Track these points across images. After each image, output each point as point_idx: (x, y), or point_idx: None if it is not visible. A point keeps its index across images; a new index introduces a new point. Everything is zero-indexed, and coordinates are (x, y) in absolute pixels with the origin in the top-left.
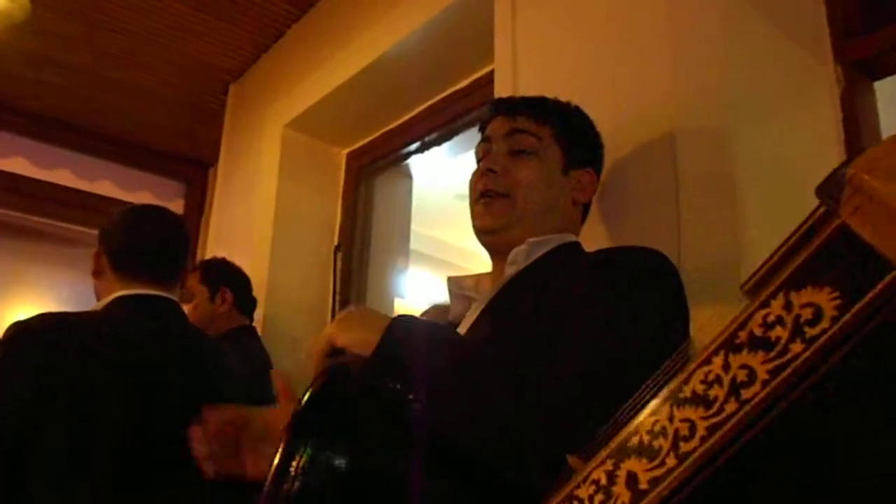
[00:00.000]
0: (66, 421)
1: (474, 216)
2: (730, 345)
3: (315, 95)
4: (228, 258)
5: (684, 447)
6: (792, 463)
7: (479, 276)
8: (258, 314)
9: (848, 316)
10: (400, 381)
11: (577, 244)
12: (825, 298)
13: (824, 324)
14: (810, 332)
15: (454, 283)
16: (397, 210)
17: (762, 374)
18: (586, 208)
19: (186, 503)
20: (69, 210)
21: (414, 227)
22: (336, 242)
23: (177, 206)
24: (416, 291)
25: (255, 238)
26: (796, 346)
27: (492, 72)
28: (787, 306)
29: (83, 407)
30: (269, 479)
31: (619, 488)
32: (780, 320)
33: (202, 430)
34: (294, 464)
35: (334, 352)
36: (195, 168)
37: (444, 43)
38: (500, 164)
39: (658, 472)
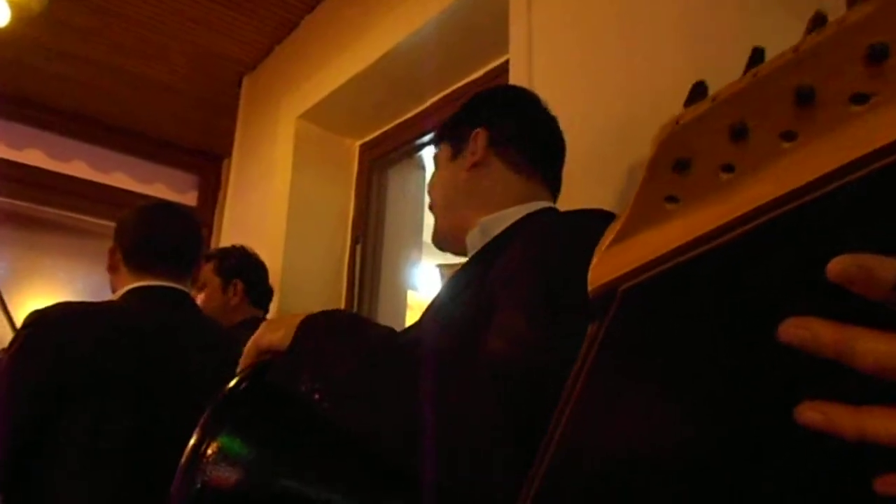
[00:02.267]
0: (82, 409)
1: None
2: None
3: (328, 87)
4: (249, 249)
5: None
6: None
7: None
8: (273, 307)
9: None
10: (307, 380)
11: (542, 211)
12: None
13: None
14: None
15: (446, 269)
16: (410, 202)
17: None
18: (517, 160)
19: None
20: (84, 202)
21: (427, 219)
22: (350, 234)
23: (191, 199)
24: (430, 284)
25: (269, 230)
26: None
27: (507, 61)
28: None
29: (99, 395)
30: (181, 465)
31: None
32: None
33: None
34: (205, 454)
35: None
36: (209, 160)
37: (458, 33)
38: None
39: None
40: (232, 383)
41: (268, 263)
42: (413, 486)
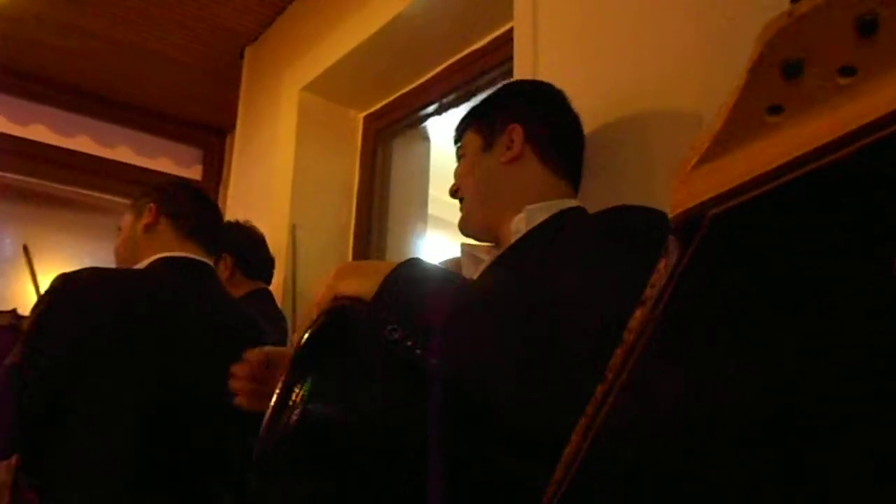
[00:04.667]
0: (104, 373)
1: None
2: None
3: (331, 58)
4: (244, 222)
5: None
6: None
7: (491, 248)
8: (279, 279)
9: None
10: (400, 327)
11: (578, 209)
12: None
13: None
14: None
15: (468, 247)
16: (415, 173)
17: None
18: (551, 158)
19: (215, 458)
20: (89, 177)
21: (432, 192)
22: (354, 206)
23: (195, 173)
24: (434, 256)
25: (274, 203)
26: None
27: (511, 30)
28: None
29: (120, 360)
30: (269, 410)
31: None
32: None
33: (242, 367)
34: (294, 395)
35: (337, 301)
36: (213, 134)
37: (461, 1)
38: (454, 182)
39: None
40: (314, 326)
41: (273, 237)
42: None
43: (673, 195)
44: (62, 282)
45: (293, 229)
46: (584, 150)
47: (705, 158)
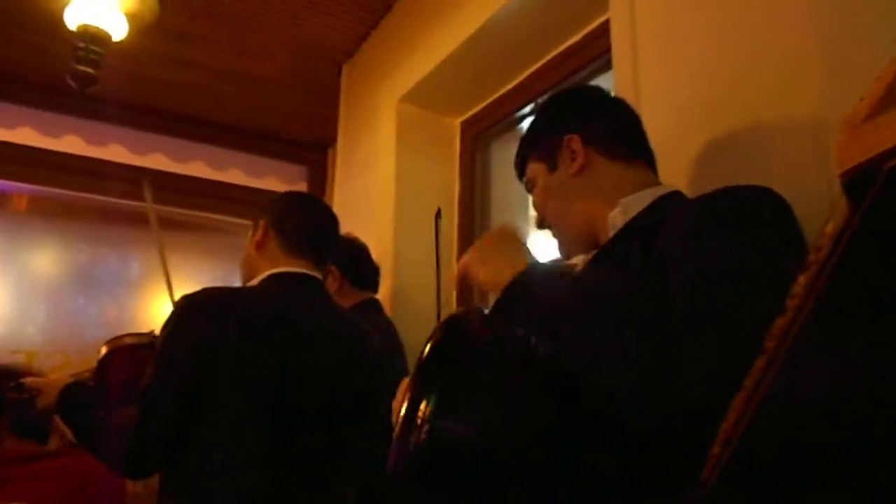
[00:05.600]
0: (226, 387)
1: None
2: None
3: (426, 67)
4: (347, 234)
5: None
6: None
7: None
8: (385, 289)
9: None
10: (525, 327)
11: (675, 192)
12: None
13: None
14: None
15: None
16: (514, 176)
17: None
18: (618, 153)
19: (335, 460)
20: (204, 200)
21: None
22: (457, 212)
23: (300, 189)
24: (538, 257)
25: (378, 214)
26: None
27: (606, 21)
28: None
29: (241, 375)
30: (397, 430)
31: None
32: None
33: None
34: (420, 412)
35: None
36: (315, 150)
37: None
38: (536, 214)
39: None
40: (434, 340)
41: (377, 247)
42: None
43: (840, 151)
44: (184, 304)
45: (437, 215)
46: (642, 126)
47: (878, 110)
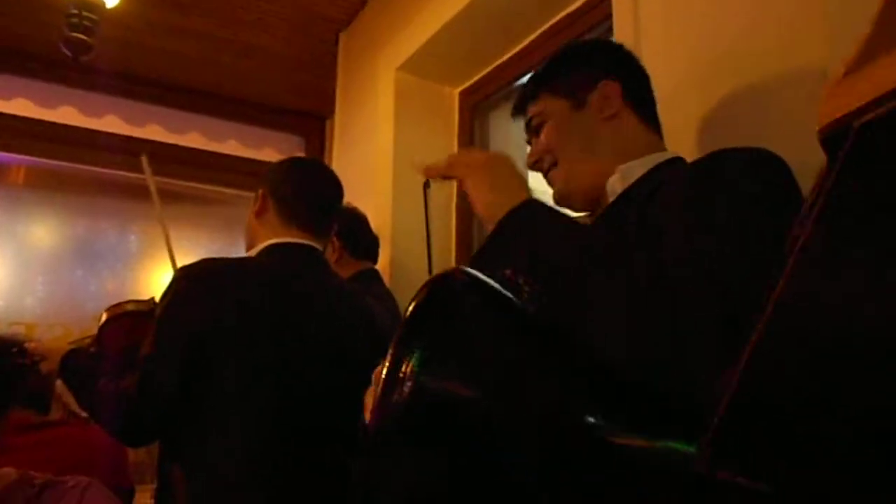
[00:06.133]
0: (226, 357)
1: None
2: None
3: (424, 35)
4: (347, 204)
5: None
6: None
7: (588, 217)
8: (384, 259)
9: None
10: (518, 270)
11: (676, 159)
12: None
13: None
14: None
15: None
16: (513, 146)
17: None
18: (645, 113)
19: (335, 433)
20: (202, 171)
21: None
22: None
23: None
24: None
25: (376, 185)
26: None
27: None
28: None
29: (239, 345)
30: (379, 390)
31: None
32: None
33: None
34: (403, 370)
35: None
36: (313, 121)
37: None
38: (535, 153)
39: None
40: (420, 298)
41: (376, 217)
42: (612, 378)
43: (820, 109)
44: (182, 274)
45: (426, 185)
46: None
47: (852, 69)
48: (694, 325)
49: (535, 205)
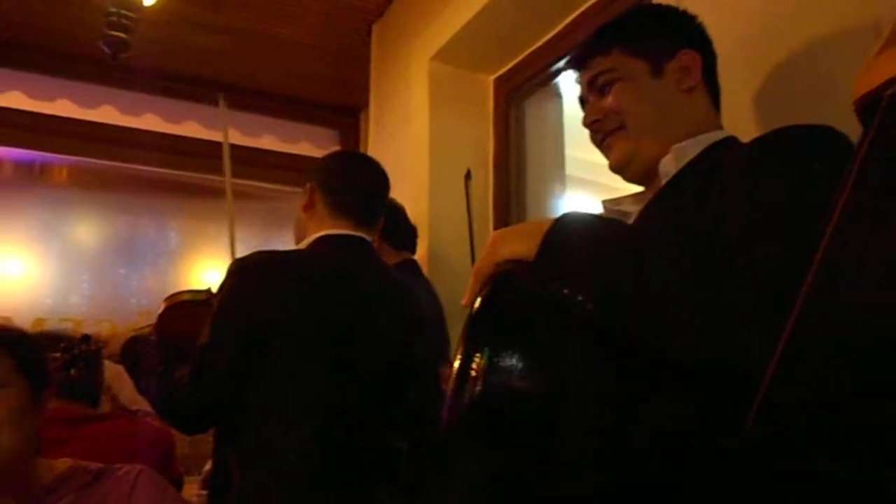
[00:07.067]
0: (282, 348)
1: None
2: None
3: (457, 23)
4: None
5: None
6: None
7: (636, 195)
8: (422, 249)
9: None
10: (565, 283)
11: (730, 138)
12: None
13: None
14: None
15: (611, 203)
16: (549, 133)
17: None
18: (715, 92)
19: (387, 419)
20: (239, 166)
21: (568, 151)
22: (492, 171)
23: None
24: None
25: (413, 175)
26: None
27: None
28: None
29: (297, 336)
30: (451, 387)
31: None
32: None
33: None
34: (473, 367)
35: (499, 266)
36: (347, 114)
37: None
38: (597, 112)
39: None
40: (485, 294)
41: (413, 208)
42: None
43: (856, 82)
44: (238, 266)
45: (467, 176)
46: None
47: (888, 44)
48: (749, 319)
49: (573, 214)
